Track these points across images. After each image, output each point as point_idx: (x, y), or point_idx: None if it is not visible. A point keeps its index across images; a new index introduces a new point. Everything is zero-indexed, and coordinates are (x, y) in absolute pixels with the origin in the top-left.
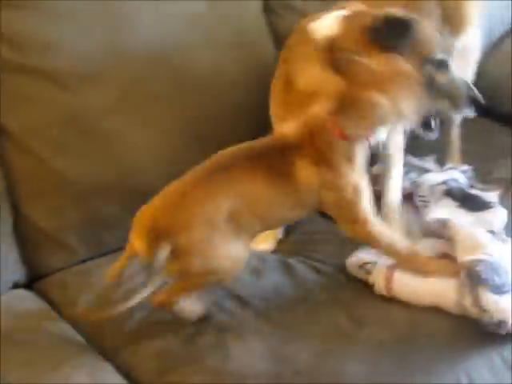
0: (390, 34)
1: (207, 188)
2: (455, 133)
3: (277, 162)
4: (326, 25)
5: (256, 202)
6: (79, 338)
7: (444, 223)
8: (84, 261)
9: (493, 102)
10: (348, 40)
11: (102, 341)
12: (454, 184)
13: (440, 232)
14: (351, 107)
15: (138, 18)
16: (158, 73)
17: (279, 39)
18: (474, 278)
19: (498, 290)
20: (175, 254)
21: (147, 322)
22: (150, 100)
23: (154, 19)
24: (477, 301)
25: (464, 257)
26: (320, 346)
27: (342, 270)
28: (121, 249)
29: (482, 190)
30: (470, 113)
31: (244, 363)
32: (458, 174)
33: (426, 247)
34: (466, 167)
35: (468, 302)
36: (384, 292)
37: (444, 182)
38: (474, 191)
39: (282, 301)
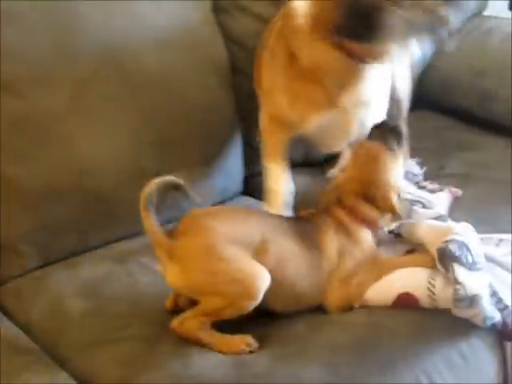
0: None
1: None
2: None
3: (309, 226)
4: (301, 4)
5: (282, 257)
6: (34, 345)
7: (396, 234)
8: (40, 267)
9: (444, 96)
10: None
11: (57, 349)
12: None
13: (393, 242)
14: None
15: (86, 18)
16: (110, 74)
17: (231, 39)
18: (447, 256)
19: (471, 267)
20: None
21: (104, 328)
22: (103, 102)
23: (102, 19)
24: (452, 276)
25: (437, 244)
26: (278, 350)
27: None
28: (76, 253)
29: (430, 191)
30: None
31: (205, 369)
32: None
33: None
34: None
35: (440, 285)
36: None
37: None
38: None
39: None
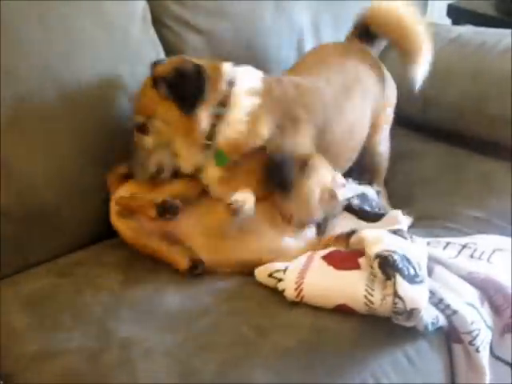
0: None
1: None
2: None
3: None
4: None
5: None
6: None
7: (349, 234)
8: None
9: None
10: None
11: (3, 364)
12: (355, 201)
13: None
14: None
15: (27, 40)
16: (50, 93)
17: (168, 51)
18: (390, 265)
19: (411, 280)
20: None
21: (48, 342)
22: (40, 119)
23: (39, 34)
24: (393, 288)
25: (374, 249)
26: (225, 356)
27: (245, 280)
28: (20, 270)
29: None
30: None
31: (151, 379)
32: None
33: None
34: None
35: (378, 296)
36: (294, 297)
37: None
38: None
39: (185, 313)
